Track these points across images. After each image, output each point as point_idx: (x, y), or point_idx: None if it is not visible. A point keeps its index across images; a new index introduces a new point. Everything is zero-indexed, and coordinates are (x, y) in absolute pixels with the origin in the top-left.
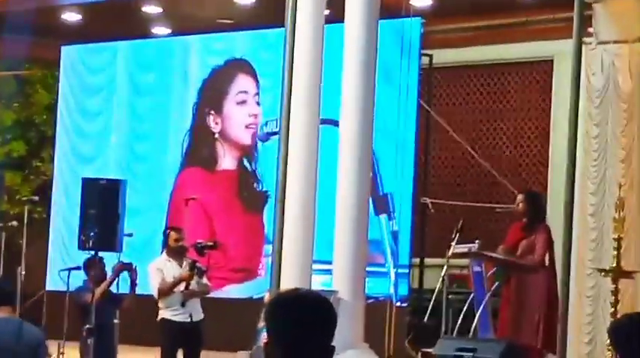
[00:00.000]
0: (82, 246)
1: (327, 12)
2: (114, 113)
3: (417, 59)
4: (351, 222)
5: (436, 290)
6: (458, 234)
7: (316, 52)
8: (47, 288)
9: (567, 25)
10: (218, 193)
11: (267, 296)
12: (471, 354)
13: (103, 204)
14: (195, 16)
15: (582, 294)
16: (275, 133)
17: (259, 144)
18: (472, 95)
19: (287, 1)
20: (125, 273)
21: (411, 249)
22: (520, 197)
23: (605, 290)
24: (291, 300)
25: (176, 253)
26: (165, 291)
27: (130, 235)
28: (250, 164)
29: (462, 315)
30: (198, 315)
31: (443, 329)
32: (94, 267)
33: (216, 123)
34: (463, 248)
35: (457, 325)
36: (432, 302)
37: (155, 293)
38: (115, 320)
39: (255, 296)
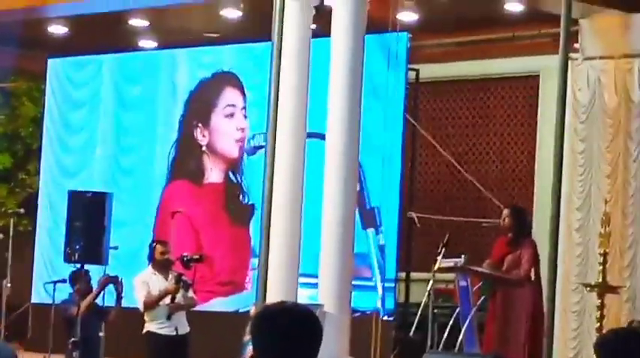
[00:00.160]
0: (67, 259)
1: (313, 26)
2: (99, 126)
3: (404, 74)
4: (337, 235)
5: (422, 305)
6: (444, 249)
7: (303, 66)
8: (33, 301)
9: (554, 41)
10: (204, 206)
11: (253, 310)
12: None
13: (89, 217)
14: (182, 30)
15: (568, 309)
16: (262, 147)
17: (245, 156)
18: (458, 110)
19: (274, 15)
20: (111, 286)
21: (397, 263)
22: (506, 212)
23: (590, 305)
24: (277, 314)
25: (162, 266)
26: (151, 304)
27: (116, 248)
28: (236, 176)
29: (447, 330)
30: (184, 328)
31: (429, 343)
32: (79, 279)
33: (204, 136)
34: (449, 262)
35: (443, 339)
36: (417, 317)
37: (141, 307)
38: (101, 333)
39: (241, 310)
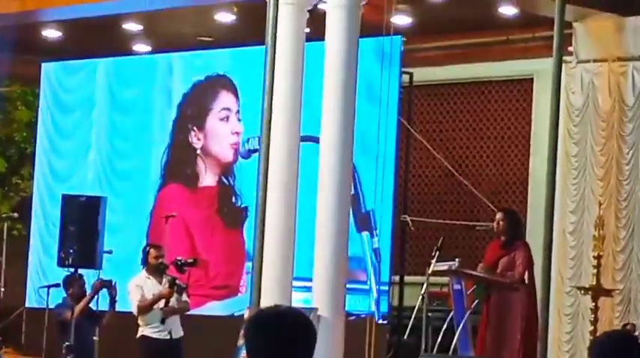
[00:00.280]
0: (61, 263)
1: (307, 30)
2: (93, 130)
3: (398, 77)
4: (331, 239)
5: (416, 308)
6: (438, 252)
7: (297, 69)
8: (27, 305)
9: (547, 44)
10: (199, 210)
11: (247, 314)
12: None
13: (82, 221)
14: (176, 34)
15: (561, 312)
16: (257, 150)
17: (239, 159)
18: (452, 113)
19: (267, 19)
20: (105, 290)
21: (391, 266)
22: (499, 215)
23: (584, 308)
24: (271, 317)
25: (156, 270)
26: (145, 308)
27: (110, 252)
28: (229, 179)
29: (441, 333)
30: (178, 332)
31: (423, 346)
32: (73, 284)
33: (199, 139)
34: (443, 265)
35: (437, 343)
36: (411, 320)
37: (135, 311)
38: (95, 338)
39: (236, 314)
